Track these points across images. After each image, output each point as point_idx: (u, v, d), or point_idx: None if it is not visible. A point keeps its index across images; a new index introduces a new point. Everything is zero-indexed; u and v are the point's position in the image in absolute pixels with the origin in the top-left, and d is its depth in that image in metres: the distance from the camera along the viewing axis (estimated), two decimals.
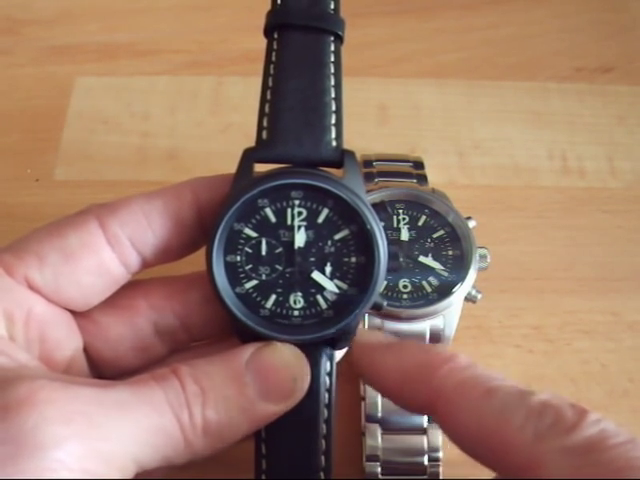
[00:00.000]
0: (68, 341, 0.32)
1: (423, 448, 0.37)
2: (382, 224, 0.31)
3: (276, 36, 0.33)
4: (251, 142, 0.32)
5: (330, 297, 0.31)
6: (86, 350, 0.33)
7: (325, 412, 0.31)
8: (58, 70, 0.54)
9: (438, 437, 0.37)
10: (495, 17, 0.57)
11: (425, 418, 0.37)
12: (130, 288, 0.34)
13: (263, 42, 0.33)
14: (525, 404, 0.25)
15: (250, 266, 0.31)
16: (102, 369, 0.34)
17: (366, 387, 0.38)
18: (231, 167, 0.32)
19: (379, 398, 0.38)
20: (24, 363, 0.29)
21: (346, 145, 0.32)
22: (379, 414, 0.37)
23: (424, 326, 0.38)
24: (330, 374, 0.32)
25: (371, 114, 0.52)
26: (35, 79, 0.54)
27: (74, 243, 0.31)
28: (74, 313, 0.33)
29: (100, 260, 0.31)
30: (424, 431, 0.37)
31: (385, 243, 0.31)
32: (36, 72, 0.54)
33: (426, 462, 0.37)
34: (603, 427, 0.24)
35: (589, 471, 0.23)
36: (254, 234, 0.31)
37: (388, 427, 0.37)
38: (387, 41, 0.56)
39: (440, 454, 0.37)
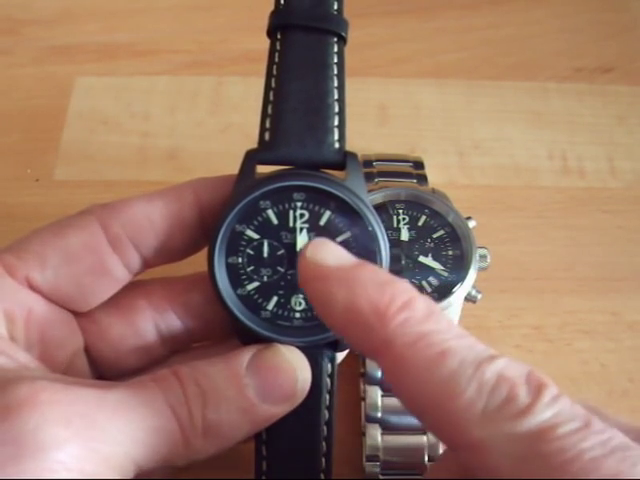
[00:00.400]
0: (69, 341, 0.32)
1: (423, 448, 0.37)
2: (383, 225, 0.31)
3: (279, 37, 0.33)
4: (251, 142, 0.32)
5: None
6: (87, 350, 0.33)
7: (326, 414, 0.31)
8: (58, 70, 0.54)
9: None
10: (495, 17, 0.57)
11: None
12: (131, 289, 0.34)
13: (263, 42, 0.33)
14: (478, 376, 0.23)
15: (252, 268, 0.31)
16: (103, 370, 0.34)
17: (366, 387, 0.38)
18: (231, 167, 0.32)
19: (379, 398, 0.38)
20: (25, 364, 0.29)
21: (346, 145, 0.32)
22: (379, 414, 0.37)
23: None
24: (331, 376, 0.32)
25: (371, 114, 0.52)
26: (35, 79, 0.53)
27: (75, 244, 0.31)
28: (75, 313, 0.33)
29: (101, 261, 0.31)
30: (424, 431, 0.37)
31: (387, 245, 0.31)
32: (36, 72, 0.54)
33: (426, 462, 0.37)
34: (557, 410, 0.22)
35: (533, 462, 0.22)
36: (256, 236, 0.31)
37: (388, 427, 0.37)
38: (387, 41, 0.56)
39: (440, 454, 0.37)
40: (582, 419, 0.22)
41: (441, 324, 0.25)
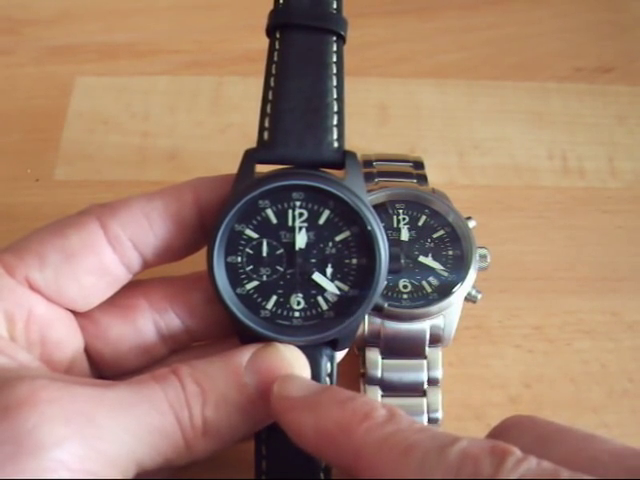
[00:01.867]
0: (69, 341, 0.32)
1: None
2: (382, 224, 0.31)
3: (278, 36, 0.33)
4: (251, 142, 0.32)
5: (331, 298, 0.31)
6: (87, 350, 0.33)
7: None
8: (58, 70, 0.54)
9: None
10: (495, 17, 0.57)
11: (425, 418, 0.37)
12: (131, 288, 0.34)
13: (263, 42, 0.33)
14: (442, 460, 0.23)
15: (251, 267, 0.31)
16: (103, 369, 0.34)
17: (366, 387, 0.38)
18: (231, 167, 0.32)
19: (379, 398, 0.38)
20: (25, 363, 0.29)
21: (346, 145, 0.32)
22: None
23: (424, 326, 0.38)
24: (331, 375, 0.32)
25: (371, 114, 0.52)
26: (35, 79, 0.53)
27: (75, 243, 0.31)
28: (75, 313, 0.33)
29: (101, 260, 0.31)
30: None
31: (386, 244, 0.31)
32: (36, 72, 0.54)
33: None
34: (524, 471, 0.22)
35: None
36: (255, 235, 0.31)
37: None
38: (387, 41, 0.56)
39: None
40: (550, 474, 0.22)
41: (402, 424, 0.26)
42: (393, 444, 0.25)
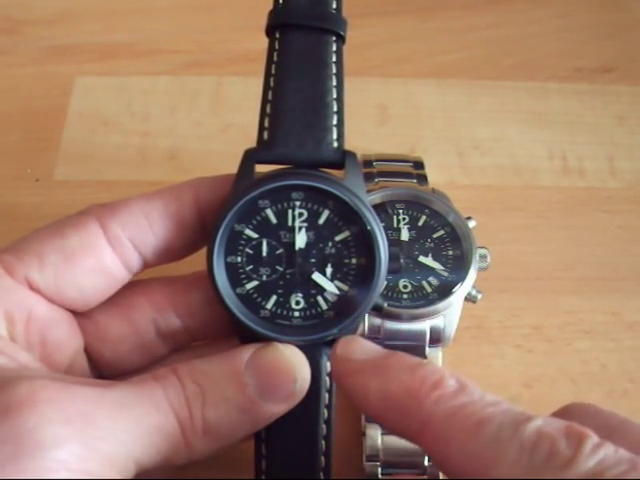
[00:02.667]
0: (69, 341, 0.32)
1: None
2: (382, 224, 0.31)
3: (278, 36, 0.33)
4: (251, 142, 0.32)
5: (331, 298, 0.31)
6: (87, 350, 0.33)
7: (325, 413, 0.31)
8: (58, 70, 0.54)
9: None
10: (495, 17, 0.57)
11: None
12: (131, 288, 0.34)
13: (263, 42, 0.33)
14: (518, 436, 0.23)
15: (251, 267, 0.31)
16: (103, 369, 0.34)
17: None
18: (231, 167, 0.32)
19: None
20: (25, 364, 0.29)
21: (346, 145, 0.32)
22: None
23: (424, 326, 0.38)
24: (330, 375, 0.32)
25: (371, 114, 0.52)
26: (35, 79, 0.54)
27: (75, 244, 0.31)
28: (75, 313, 0.33)
29: (101, 260, 0.31)
30: None
31: (386, 244, 0.31)
32: (36, 72, 0.54)
33: (426, 462, 0.37)
34: (602, 457, 0.22)
35: None
36: (255, 235, 0.31)
37: None
38: (387, 41, 0.56)
39: None
40: (628, 462, 0.22)
41: (474, 395, 0.25)
42: (465, 415, 0.25)
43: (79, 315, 0.33)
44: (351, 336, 0.30)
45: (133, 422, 0.27)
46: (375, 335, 0.37)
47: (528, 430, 0.23)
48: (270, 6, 0.34)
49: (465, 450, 0.24)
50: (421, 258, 0.39)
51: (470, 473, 0.24)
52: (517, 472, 0.23)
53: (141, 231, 0.32)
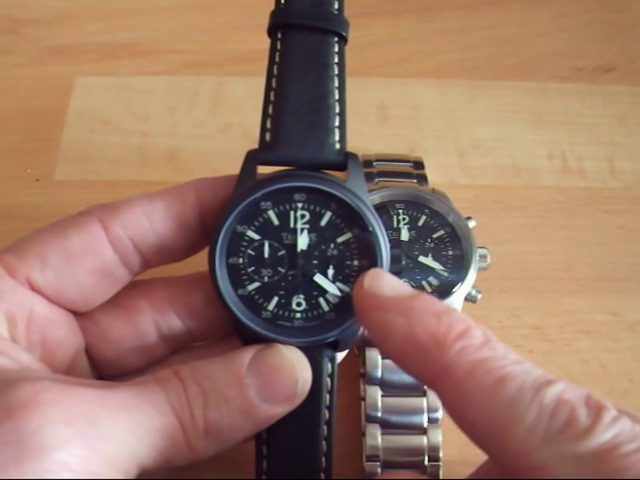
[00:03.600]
0: (70, 342, 0.32)
1: (423, 448, 0.37)
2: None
3: (280, 36, 0.33)
4: (251, 142, 0.32)
5: (332, 300, 0.31)
6: (88, 351, 0.33)
7: (326, 414, 0.31)
8: (58, 70, 0.54)
9: (438, 437, 0.37)
10: (495, 17, 0.57)
11: (425, 418, 0.37)
12: (132, 289, 0.34)
13: (263, 42, 0.33)
14: (537, 401, 0.23)
15: (252, 268, 0.31)
16: (103, 370, 0.34)
17: (366, 387, 0.38)
18: (231, 167, 0.32)
19: (379, 398, 0.38)
20: (26, 364, 0.29)
21: (347, 146, 0.32)
22: (379, 414, 0.37)
23: None
24: (331, 376, 0.32)
25: (371, 114, 0.52)
26: (35, 79, 0.54)
27: (76, 244, 0.31)
28: (76, 314, 0.33)
29: (102, 261, 0.31)
30: (424, 431, 0.37)
31: (388, 246, 0.31)
32: (36, 72, 0.54)
33: (426, 462, 0.37)
34: (618, 431, 0.23)
35: None
36: (257, 236, 0.31)
37: (388, 427, 0.37)
38: (387, 41, 0.56)
39: (440, 454, 0.37)
40: None
41: (498, 351, 0.25)
42: (487, 370, 0.24)
43: (80, 316, 0.33)
44: (379, 270, 0.29)
45: (135, 423, 0.27)
46: None
47: (549, 395, 0.23)
48: (271, 6, 0.33)
49: (483, 407, 0.24)
50: (421, 258, 0.39)
51: (486, 431, 0.24)
52: (533, 436, 0.23)
53: (142, 232, 0.32)
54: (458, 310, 0.26)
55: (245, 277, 0.31)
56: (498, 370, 0.24)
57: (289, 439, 0.31)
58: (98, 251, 0.31)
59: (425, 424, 0.37)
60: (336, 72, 0.32)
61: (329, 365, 0.32)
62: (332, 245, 0.31)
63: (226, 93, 0.53)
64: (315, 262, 0.31)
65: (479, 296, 0.39)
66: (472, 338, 0.25)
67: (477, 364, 0.25)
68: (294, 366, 0.30)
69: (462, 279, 0.39)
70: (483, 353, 0.25)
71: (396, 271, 0.38)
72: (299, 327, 0.31)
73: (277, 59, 0.32)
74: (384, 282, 0.28)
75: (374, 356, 0.38)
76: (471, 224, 0.40)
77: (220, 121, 0.52)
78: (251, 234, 0.31)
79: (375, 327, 0.27)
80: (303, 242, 0.31)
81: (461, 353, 0.25)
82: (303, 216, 0.31)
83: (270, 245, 0.31)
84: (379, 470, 0.37)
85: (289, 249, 0.31)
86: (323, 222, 0.31)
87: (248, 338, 0.31)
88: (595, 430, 0.23)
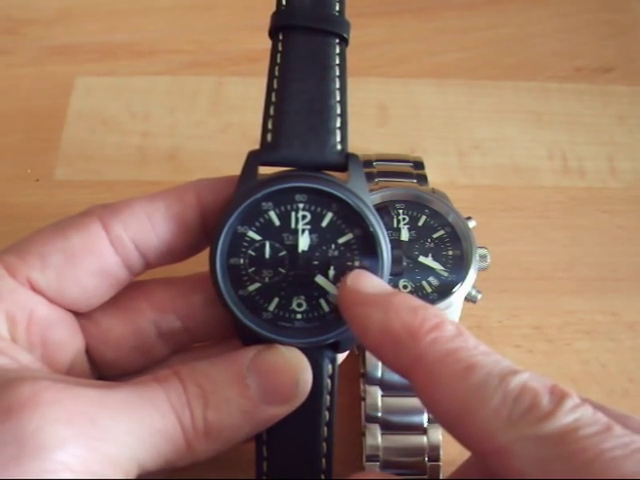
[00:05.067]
0: (70, 342, 0.32)
1: (423, 448, 0.37)
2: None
3: (281, 38, 0.33)
4: (251, 142, 0.32)
5: (333, 300, 0.31)
6: (88, 351, 0.33)
7: (326, 415, 0.31)
8: (58, 70, 0.54)
9: (438, 436, 0.37)
10: (495, 17, 0.57)
11: (425, 418, 0.37)
12: (132, 289, 0.34)
13: (263, 42, 0.33)
14: (503, 386, 0.24)
15: (253, 269, 0.31)
16: (103, 370, 0.34)
17: (366, 387, 0.38)
18: (231, 167, 0.32)
19: (379, 398, 0.38)
20: (26, 364, 0.29)
21: (348, 147, 0.32)
22: (379, 414, 0.37)
23: None
24: (332, 377, 0.32)
25: (371, 114, 0.52)
26: (35, 79, 0.54)
27: (77, 244, 0.31)
28: (76, 314, 0.33)
29: (103, 262, 0.31)
30: (424, 431, 0.37)
31: (389, 247, 0.31)
32: (36, 72, 0.54)
33: (426, 462, 0.37)
34: (579, 416, 0.23)
35: (556, 463, 0.23)
36: (258, 237, 0.31)
37: (388, 427, 0.37)
38: (387, 41, 0.56)
39: (440, 453, 0.37)
40: (603, 424, 0.23)
41: (469, 342, 0.26)
42: (457, 359, 0.25)
43: (80, 316, 0.33)
44: (362, 271, 0.31)
45: (135, 424, 0.27)
46: None
47: (514, 382, 0.24)
48: (271, 6, 0.33)
49: (452, 392, 0.25)
50: (421, 258, 0.39)
51: (454, 415, 0.25)
52: (497, 419, 0.24)
53: (143, 232, 0.32)
54: (435, 307, 0.28)
55: (246, 278, 0.31)
56: (467, 359, 0.25)
57: (289, 440, 0.31)
58: (99, 251, 0.31)
59: (425, 424, 0.37)
60: (337, 73, 0.32)
61: (329, 366, 0.32)
62: (333, 246, 0.31)
63: (226, 93, 0.53)
64: (316, 263, 0.31)
65: (479, 296, 0.39)
66: (445, 330, 0.27)
67: (448, 353, 0.26)
68: (294, 367, 0.30)
69: (462, 279, 0.39)
70: (454, 344, 0.26)
71: (397, 272, 0.38)
72: (300, 328, 0.31)
73: (278, 60, 0.32)
74: (366, 281, 0.30)
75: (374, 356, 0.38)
76: (471, 224, 0.40)
77: (220, 121, 0.52)
78: (252, 235, 0.31)
79: (355, 321, 0.29)
80: (304, 243, 0.31)
81: (433, 343, 0.26)
82: (304, 217, 0.31)
83: (271, 246, 0.31)
84: (379, 470, 0.37)
85: (290, 250, 0.31)
86: (324, 223, 0.31)
87: (248, 339, 0.31)
88: (556, 414, 0.23)
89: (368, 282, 0.30)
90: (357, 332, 0.29)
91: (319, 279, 0.31)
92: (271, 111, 0.32)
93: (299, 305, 0.31)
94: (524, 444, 0.23)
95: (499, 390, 0.24)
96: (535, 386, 0.24)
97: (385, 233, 0.31)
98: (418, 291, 0.38)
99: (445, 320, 0.27)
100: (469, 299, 0.39)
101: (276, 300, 0.31)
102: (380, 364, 0.38)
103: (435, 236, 0.40)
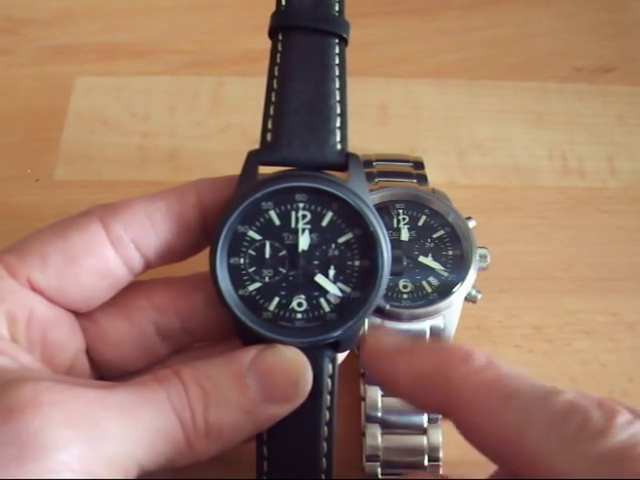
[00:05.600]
0: (70, 342, 0.32)
1: (423, 448, 0.37)
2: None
3: (281, 38, 0.33)
4: (251, 142, 0.32)
5: (333, 300, 0.31)
6: (88, 351, 0.33)
7: (327, 414, 0.31)
8: (58, 70, 0.54)
9: (438, 437, 0.37)
10: (495, 17, 0.57)
11: (425, 418, 0.37)
12: (132, 289, 0.34)
13: (263, 42, 0.33)
14: (548, 408, 0.24)
15: (253, 269, 0.31)
16: (104, 370, 0.34)
17: (366, 387, 0.38)
18: (231, 167, 0.32)
19: (379, 398, 0.38)
20: (26, 365, 0.29)
21: (348, 146, 0.32)
22: (379, 414, 0.37)
23: (424, 326, 0.38)
24: (332, 377, 0.32)
25: (371, 114, 0.52)
26: (35, 79, 0.54)
27: (77, 244, 0.31)
28: (76, 314, 0.33)
29: (103, 261, 0.31)
30: (424, 431, 0.38)
31: (389, 247, 0.31)
32: (36, 72, 0.54)
33: (426, 462, 0.37)
34: (634, 432, 0.23)
35: None
36: (258, 237, 0.31)
37: (388, 427, 0.37)
38: (387, 41, 0.56)
39: (440, 454, 0.37)
40: None
41: (502, 370, 0.26)
42: (494, 388, 0.25)
43: (80, 316, 0.33)
44: (379, 329, 0.32)
45: (136, 424, 0.27)
46: None
47: (559, 401, 0.24)
48: (271, 6, 0.33)
49: (496, 422, 0.25)
50: (421, 258, 0.39)
51: (503, 445, 0.25)
52: (548, 444, 0.23)
53: (143, 232, 0.32)
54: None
55: (246, 277, 0.31)
56: (506, 386, 0.25)
57: (290, 440, 0.31)
58: (99, 251, 0.31)
59: (425, 424, 0.38)
60: (337, 73, 0.32)
61: (330, 366, 0.32)
62: (333, 245, 0.31)
63: (226, 93, 0.53)
64: (316, 262, 0.31)
65: (479, 296, 0.39)
66: (474, 361, 0.26)
67: (484, 383, 0.25)
68: (295, 366, 0.30)
69: (462, 279, 0.39)
70: (489, 373, 0.26)
71: (397, 272, 0.38)
72: (300, 327, 0.31)
73: (278, 60, 0.32)
74: (387, 338, 0.30)
75: None
76: (471, 224, 0.40)
77: (220, 121, 0.52)
78: (252, 234, 0.31)
79: (384, 375, 0.29)
80: (304, 242, 0.31)
81: (466, 377, 0.26)
82: (304, 216, 0.31)
83: (271, 245, 0.31)
84: (379, 470, 0.37)
85: (290, 249, 0.31)
86: (324, 222, 0.31)
87: (249, 338, 0.31)
88: (611, 430, 0.23)
89: (388, 338, 0.30)
90: (388, 385, 0.29)
91: (319, 278, 0.31)
92: (271, 111, 0.32)
93: (299, 305, 0.31)
94: (581, 464, 0.23)
95: (544, 412, 0.24)
96: (582, 403, 0.24)
97: (385, 233, 0.31)
98: (418, 291, 0.38)
99: (472, 350, 0.27)
100: (469, 299, 0.39)
101: (276, 300, 0.31)
102: None
103: (435, 236, 0.40)
